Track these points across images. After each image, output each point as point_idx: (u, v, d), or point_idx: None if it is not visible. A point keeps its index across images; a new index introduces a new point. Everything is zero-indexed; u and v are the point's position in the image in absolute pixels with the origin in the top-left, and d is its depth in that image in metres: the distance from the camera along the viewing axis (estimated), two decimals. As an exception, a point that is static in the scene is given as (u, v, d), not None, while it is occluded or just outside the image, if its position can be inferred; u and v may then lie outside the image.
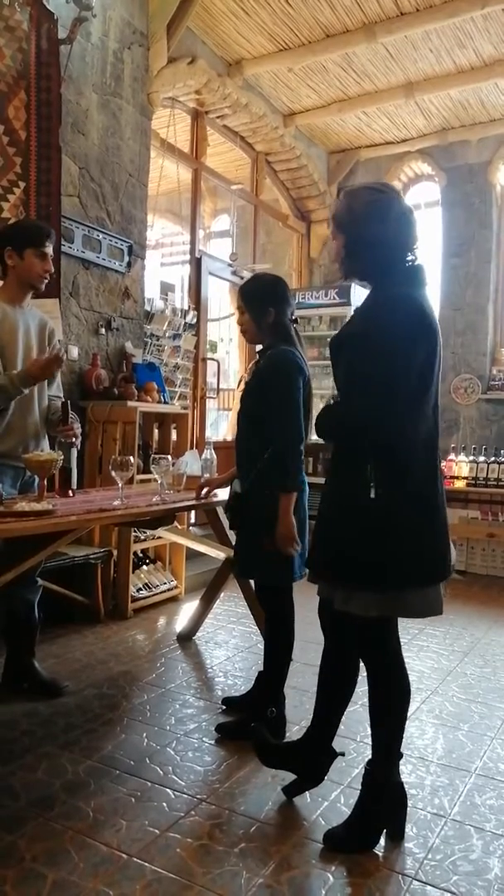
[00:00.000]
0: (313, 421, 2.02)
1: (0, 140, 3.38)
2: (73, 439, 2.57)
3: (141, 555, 4.13)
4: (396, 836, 1.89)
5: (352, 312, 6.26)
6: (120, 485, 2.58)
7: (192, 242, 5.61)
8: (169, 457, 2.87)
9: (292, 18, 4.80)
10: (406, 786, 2.15)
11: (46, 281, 2.55)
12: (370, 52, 5.16)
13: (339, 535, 1.81)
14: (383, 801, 1.87)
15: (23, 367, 2.45)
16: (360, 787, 1.89)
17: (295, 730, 2.52)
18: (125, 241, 4.27)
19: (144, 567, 4.12)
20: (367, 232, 1.78)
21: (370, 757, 1.91)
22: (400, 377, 1.69)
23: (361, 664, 1.96)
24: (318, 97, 5.93)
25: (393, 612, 1.84)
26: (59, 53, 3.63)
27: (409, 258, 1.86)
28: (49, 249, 2.50)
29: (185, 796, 2.05)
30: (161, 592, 4.11)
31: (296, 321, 2.54)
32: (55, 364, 2.40)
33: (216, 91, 5.31)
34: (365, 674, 1.93)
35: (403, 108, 6.06)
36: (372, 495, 1.73)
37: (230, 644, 3.45)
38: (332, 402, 1.91)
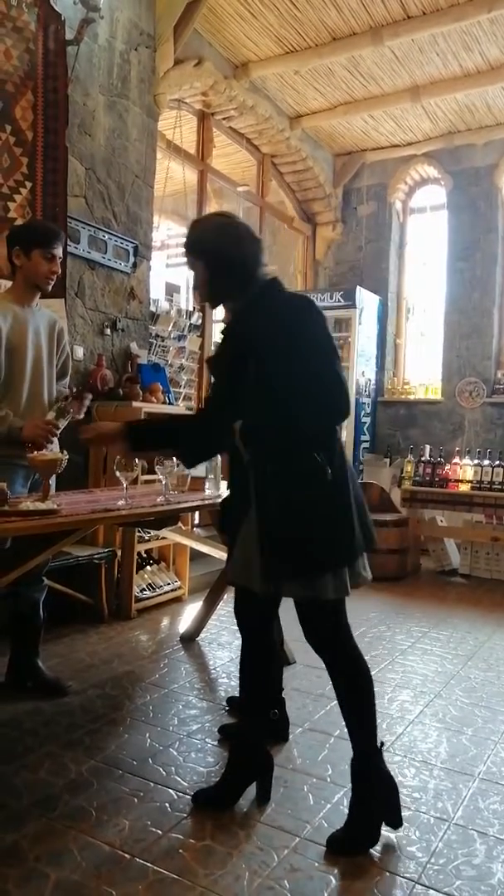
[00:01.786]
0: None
1: (7, 140, 3.39)
2: (75, 412, 2.57)
3: (145, 555, 4.14)
4: (396, 824, 1.90)
5: (357, 314, 6.31)
6: (124, 485, 2.58)
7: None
8: (173, 458, 2.87)
9: (299, 21, 4.81)
10: (409, 789, 2.16)
11: (52, 283, 2.56)
12: (376, 55, 5.16)
13: (306, 523, 1.81)
14: (376, 793, 1.88)
15: (22, 424, 2.42)
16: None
17: (298, 731, 2.52)
18: (131, 242, 4.28)
19: (148, 567, 4.12)
20: (227, 252, 1.89)
21: (353, 755, 1.91)
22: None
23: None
24: (325, 100, 5.94)
25: (346, 588, 1.87)
26: (66, 54, 3.64)
27: (263, 273, 1.95)
28: (57, 251, 2.51)
29: (188, 797, 2.05)
30: (165, 593, 4.11)
31: None
32: (46, 438, 2.40)
33: (222, 93, 5.32)
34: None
35: (409, 112, 6.06)
36: (330, 476, 1.80)
37: (234, 645, 3.44)
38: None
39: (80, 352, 3.93)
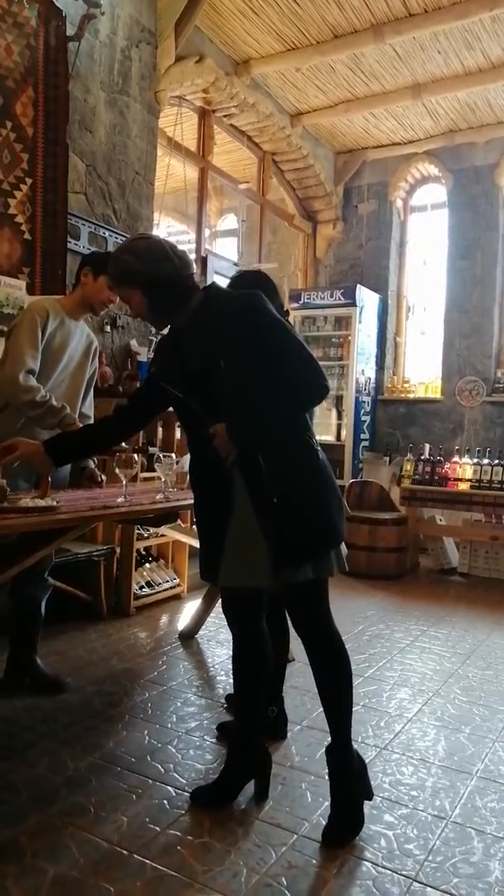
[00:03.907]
0: None
1: (7, 136, 3.38)
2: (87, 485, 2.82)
3: (144, 552, 4.14)
4: (370, 796, 1.97)
5: (357, 312, 6.29)
6: (124, 482, 2.58)
7: (199, 241, 5.62)
8: (173, 455, 2.87)
9: (300, 18, 4.80)
10: (406, 787, 2.16)
11: (105, 310, 2.75)
12: (378, 52, 5.16)
13: (310, 505, 1.89)
14: (354, 777, 1.93)
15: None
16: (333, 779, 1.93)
17: (297, 729, 2.52)
18: (131, 239, 4.27)
19: (147, 565, 4.12)
20: (162, 272, 1.87)
21: (335, 737, 1.94)
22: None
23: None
24: (326, 97, 5.93)
25: (332, 569, 1.94)
26: (67, 50, 3.64)
27: (196, 281, 1.98)
28: None
29: (186, 794, 2.05)
30: (163, 590, 4.11)
31: (288, 312, 2.58)
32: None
33: (223, 90, 5.31)
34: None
35: (411, 110, 6.06)
36: (321, 457, 1.92)
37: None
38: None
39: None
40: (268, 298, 2.41)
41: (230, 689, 2.86)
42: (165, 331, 2.12)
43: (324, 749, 1.97)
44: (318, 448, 1.97)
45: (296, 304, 6.59)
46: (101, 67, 4.02)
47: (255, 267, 6.09)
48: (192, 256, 5.68)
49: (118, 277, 1.94)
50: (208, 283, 2.01)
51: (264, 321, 1.87)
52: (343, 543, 1.99)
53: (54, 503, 2.18)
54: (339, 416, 6.59)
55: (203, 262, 5.56)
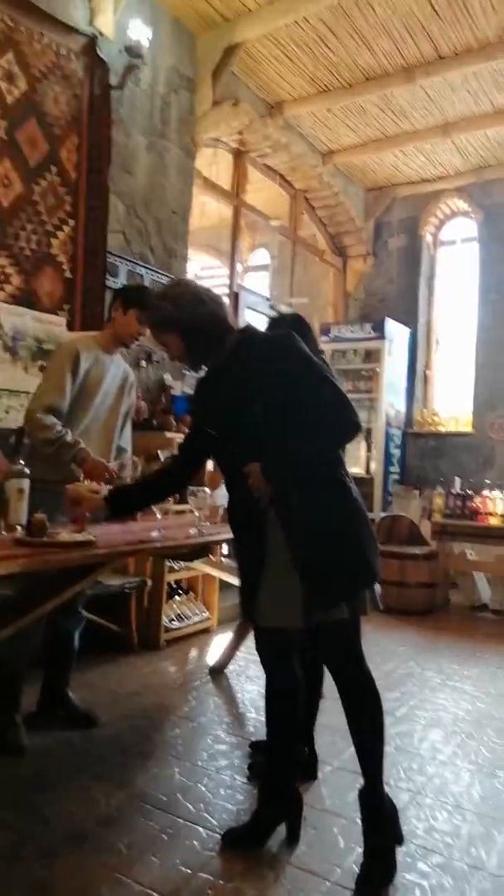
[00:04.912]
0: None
1: (52, 181, 3.52)
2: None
3: (174, 585, 4.15)
4: (400, 840, 1.96)
5: (385, 346, 6.31)
6: (158, 516, 2.62)
7: (231, 276, 5.73)
8: (206, 489, 2.91)
9: (333, 62, 4.93)
10: (441, 834, 2.12)
11: (135, 343, 2.78)
12: (409, 93, 5.26)
13: (345, 544, 1.90)
14: (387, 820, 1.91)
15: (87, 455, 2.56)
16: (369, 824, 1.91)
17: (327, 770, 2.49)
18: (166, 276, 4.38)
19: (177, 598, 4.13)
20: (198, 317, 1.94)
21: (367, 780, 1.92)
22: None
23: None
24: (357, 136, 6.05)
25: (364, 608, 1.96)
26: (110, 98, 3.79)
27: (231, 324, 2.03)
28: None
29: (217, 835, 2.04)
30: (194, 624, 4.12)
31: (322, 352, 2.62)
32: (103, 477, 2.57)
33: (258, 131, 5.46)
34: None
35: (440, 147, 6.14)
36: (355, 494, 1.96)
37: (262, 679, 3.41)
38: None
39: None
40: (303, 340, 2.46)
41: (260, 727, 2.85)
42: (201, 372, 2.18)
43: (355, 791, 1.95)
44: (352, 485, 1.99)
45: (326, 338, 6.65)
46: (142, 113, 4.17)
47: (286, 302, 6.18)
48: (225, 291, 5.80)
49: (157, 324, 2.02)
50: (240, 317, 2.08)
51: (298, 361, 1.92)
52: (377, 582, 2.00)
53: (92, 537, 2.22)
54: (369, 449, 6.58)
55: (235, 297, 5.67)
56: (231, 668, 3.56)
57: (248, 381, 1.94)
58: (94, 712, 2.79)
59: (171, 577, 4.00)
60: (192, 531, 2.71)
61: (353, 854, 1.98)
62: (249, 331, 2.08)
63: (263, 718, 2.94)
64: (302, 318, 2.64)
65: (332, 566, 1.88)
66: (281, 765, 2.06)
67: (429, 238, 7.15)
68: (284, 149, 5.85)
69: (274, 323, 2.63)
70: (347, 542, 1.91)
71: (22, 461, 2.28)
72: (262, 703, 3.11)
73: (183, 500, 3.76)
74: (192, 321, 1.95)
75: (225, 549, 5.04)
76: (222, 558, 4.86)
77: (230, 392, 1.99)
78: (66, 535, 2.19)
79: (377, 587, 2.00)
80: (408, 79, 5.01)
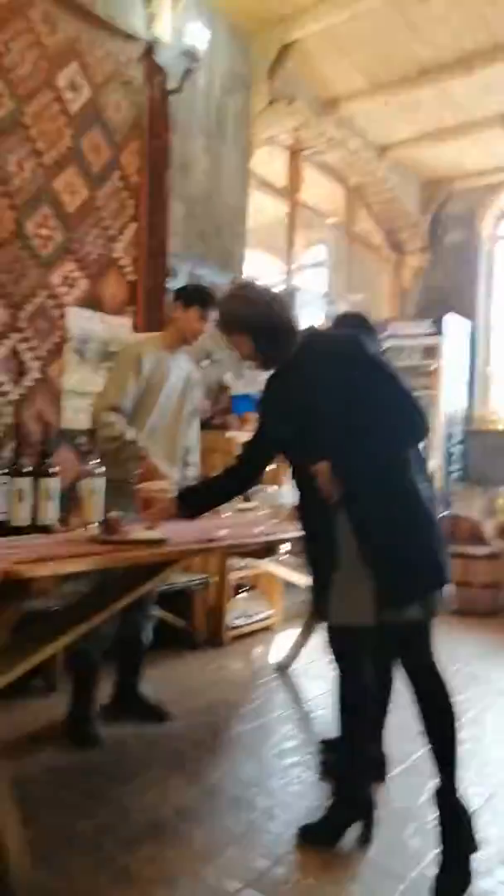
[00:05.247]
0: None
1: (115, 185, 3.59)
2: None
3: (238, 583, 4.18)
4: (475, 849, 1.89)
5: (444, 342, 6.20)
6: (225, 514, 2.64)
7: (287, 274, 5.73)
8: (275, 487, 2.91)
9: (388, 57, 4.87)
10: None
11: (197, 341, 2.81)
12: (466, 84, 5.15)
13: (415, 549, 1.91)
14: (463, 823, 1.87)
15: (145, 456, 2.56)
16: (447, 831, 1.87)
17: (396, 771, 2.47)
18: (225, 277, 4.41)
19: (241, 595, 4.16)
20: (267, 317, 1.98)
21: (441, 785, 1.88)
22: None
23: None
24: (413, 130, 5.95)
25: (436, 609, 1.95)
26: (168, 102, 3.84)
27: (299, 324, 2.05)
28: (211, 315, 2.66)
29: (291, 832, 2.04)
30: (258, 621, 4.14)
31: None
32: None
33: (313, 128, 5.43)
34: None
35: (499, 138, 5.98)
36: (426, 496, 1.95)
37: (327, 678, 3.40)
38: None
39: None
40: (367, 339, 2.46)
41: (328, 726, 2.84)
42: (268, 372, 2.19)
43: (425, 794, 1.93)
44: (424, 485, 1.98)
45: (382, 335, 6.58)
46: (199, 116, 4.22)
47: (344, 299, 6.14)
48: (282, 289, 5.80)
49: (227, 325, 2.06)
50: (300, 317, 2.10)
51: (364, 363, 1.94)
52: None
53: (164, 536, 2.26)
54: (428, 447, 6.47)
55: (291, 295, 5.66)
56: (295, 667, 3.56)
57: (317, 381, 1.96)
58: (165, 707, 2.83)
59: (234, 575, 4.03)
60: (260, 529, 2.72)
61: (426, 858, 1.96)
62: (315, 331, 2.11)
63: (330, 716, 2.94)
64: (365, 317, 2.63)
65: (404, 565, 1.88)
66: (356, 764, 2.05)
67: (487, 231, 6.99)
68: (339, 145, 5.81)
69: (338, 322, 2.62)
70: (418, 542, 1.90)
71: (95, 460, 2.34)
72: (328, 701, 3.11)
73: (246, 499, 3.79)
74: (262, 322, 1.98)
75: (288, 547, 5.06)
76: (286, 556, 4.87)
77: (300, 391, 2.00)
78: (139, 533, 2.24)
79: (447, 588, 1.98)
80: (465, 70, 4.90)
